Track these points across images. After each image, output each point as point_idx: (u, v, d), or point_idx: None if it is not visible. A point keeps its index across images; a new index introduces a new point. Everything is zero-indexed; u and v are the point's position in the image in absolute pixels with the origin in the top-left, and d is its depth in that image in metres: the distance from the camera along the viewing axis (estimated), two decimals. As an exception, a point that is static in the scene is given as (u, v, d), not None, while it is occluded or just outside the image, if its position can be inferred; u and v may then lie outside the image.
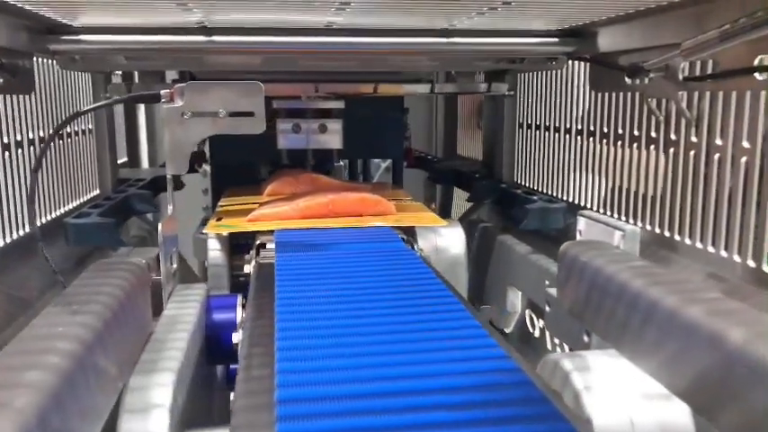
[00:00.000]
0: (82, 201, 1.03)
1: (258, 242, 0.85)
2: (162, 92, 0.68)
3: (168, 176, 0.69)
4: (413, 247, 0.83)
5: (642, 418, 0.50)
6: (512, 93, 1.15)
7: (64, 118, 0.96)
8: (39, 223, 0.87)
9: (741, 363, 0.38)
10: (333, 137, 1.26)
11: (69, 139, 0.95)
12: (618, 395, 0.50)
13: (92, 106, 0.84)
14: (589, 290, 0.56)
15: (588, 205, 0.94)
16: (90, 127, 1.06)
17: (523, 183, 1.20)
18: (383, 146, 1.41)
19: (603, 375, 0.52)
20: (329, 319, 0.57)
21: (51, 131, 0.74)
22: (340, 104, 1.24)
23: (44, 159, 0.79)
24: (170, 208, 0.71)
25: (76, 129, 0.98)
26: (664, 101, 0.75)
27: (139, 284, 0.53)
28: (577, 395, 0.51)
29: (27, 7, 0.70)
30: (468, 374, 0.46)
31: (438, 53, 0.84)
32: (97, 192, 1.09)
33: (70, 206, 0.97)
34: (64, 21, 0.78)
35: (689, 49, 0.62)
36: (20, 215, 0.80)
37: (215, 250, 0.96)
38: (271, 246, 0.83)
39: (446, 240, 1.02)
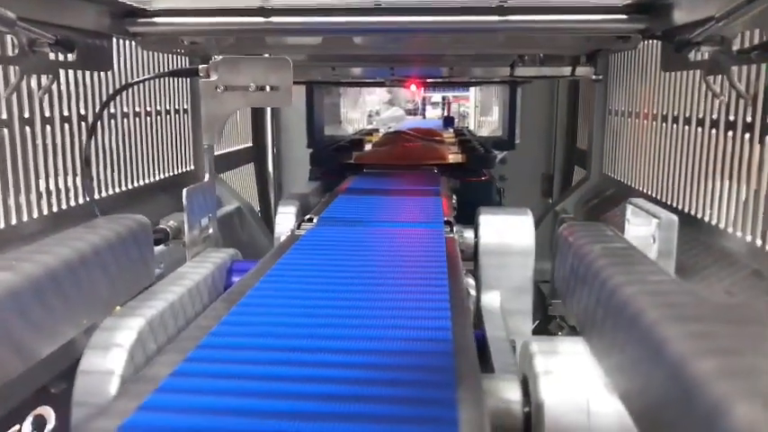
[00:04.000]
0: (175, 173, 1.12)
1: (307, 216, 0.88)
2: (200, 66, 0.72)
3: (204, 146, 0.74)
4: (451, 230, 0.82)
5: (600, 407, 0.46)
6: (600, 77, 1.09)
7: (172, 96, 1.06)
8: (131, 187, 0.96)
9: (650, 342, 0.35)
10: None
11: (159, 117, 1.04)
12: (578, 381, 0.47)
13: (138, 79, 0.91)
14: (568, 271, 0.52)
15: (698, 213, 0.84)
16: (185, 107, 1.15)
17: (615, 176, 1.12)
18: None
19: (568, 361, 0.48)
20: (312, 284, 0.58)
21: (101, 104, 0.81)
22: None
23: (98, 127, 0.86)
24: (206, 176, 0.75)
25: (167, 107, 1.07)
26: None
27: (133, 238, 0.57)
28: (535, 378, 0.48)
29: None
30: (397, 341, 0.45)
31: (490, 31, 0.82)
32: (192, 167, 1.18)
33: (161, 177, 1.06)
34: (140, 5, 0.85)
35: (723, 15, 0.56)
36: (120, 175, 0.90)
37: (281, 224, 1.01)
38: (316, 220, 0.85)
39: (512, 228, 0.98)
